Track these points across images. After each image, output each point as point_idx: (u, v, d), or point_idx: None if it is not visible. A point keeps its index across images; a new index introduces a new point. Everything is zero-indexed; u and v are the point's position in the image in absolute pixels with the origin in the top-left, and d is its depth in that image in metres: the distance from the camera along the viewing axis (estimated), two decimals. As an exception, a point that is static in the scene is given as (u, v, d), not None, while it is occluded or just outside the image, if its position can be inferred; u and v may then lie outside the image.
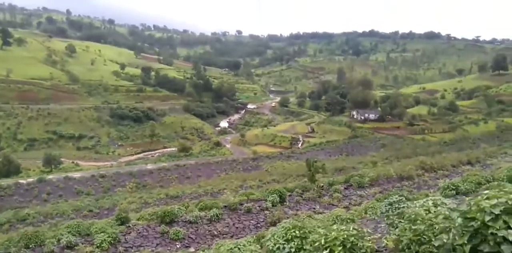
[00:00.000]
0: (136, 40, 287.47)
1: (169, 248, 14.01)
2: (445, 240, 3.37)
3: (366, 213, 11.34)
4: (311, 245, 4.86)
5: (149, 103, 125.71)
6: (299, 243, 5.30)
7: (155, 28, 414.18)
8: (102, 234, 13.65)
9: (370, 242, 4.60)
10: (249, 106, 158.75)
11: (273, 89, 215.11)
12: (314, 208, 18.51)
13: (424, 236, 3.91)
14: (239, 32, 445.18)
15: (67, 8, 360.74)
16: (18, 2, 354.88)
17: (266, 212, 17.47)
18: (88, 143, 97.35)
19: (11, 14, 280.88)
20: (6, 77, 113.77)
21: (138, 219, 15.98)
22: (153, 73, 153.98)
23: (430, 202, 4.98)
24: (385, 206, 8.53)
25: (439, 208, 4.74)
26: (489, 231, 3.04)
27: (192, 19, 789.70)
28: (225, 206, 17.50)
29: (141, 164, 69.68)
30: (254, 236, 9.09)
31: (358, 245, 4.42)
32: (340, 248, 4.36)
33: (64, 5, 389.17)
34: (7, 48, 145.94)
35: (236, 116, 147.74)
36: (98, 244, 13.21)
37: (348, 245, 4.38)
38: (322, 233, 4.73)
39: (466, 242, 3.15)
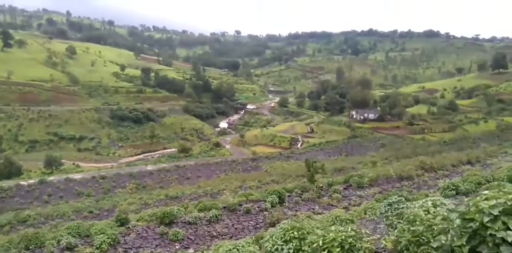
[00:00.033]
0: (135, 41, 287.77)
1: (168, 249, 13.98)
2: (443, 242, 3.34)
3: (365, 213, 11.31)
4: (309, 246, 4.83)
5: (149, 104, 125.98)
6: (297, 244, 5.28)
7: (155, 29, 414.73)
8: (101, 235, 13.62)
9: (369, 243, 4.57)
10: (248, 106, 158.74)
11: (272, 89, 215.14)
12: (313, 209, 18.46)
13: (423, 237, 3.88)
14: (238, 32, 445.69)
15: (67, 10, 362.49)
16: (19, 4, 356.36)
17: (265, 212, 17.43)
18: (89, 145, 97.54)
19: (12, 16, 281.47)
20: (7, 79, 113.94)
21: (137, 220, 15.96)
22: (152, 74, 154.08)
23: (430, 203, 4.94)
24: (385, 206, 8.50)
25: (438, 208, 4.70)
26: (488, 232, 3.01)
27: (192, 19, 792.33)
28: (224, 207, 17.46)
29: (141, 165, 69.77)
30: (253, 237, 9.05)
31: (356, 246, 4.39)
32: (338, 249, 4.33)
33: (64, 6, 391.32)
34: (8, 49, 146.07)
35: (235, 117, 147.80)
36: (98, 245, 13.18)
37: (346, 246, 4.35)
38: (320, 234, 4.71)
39: (464, 243, 3.12)
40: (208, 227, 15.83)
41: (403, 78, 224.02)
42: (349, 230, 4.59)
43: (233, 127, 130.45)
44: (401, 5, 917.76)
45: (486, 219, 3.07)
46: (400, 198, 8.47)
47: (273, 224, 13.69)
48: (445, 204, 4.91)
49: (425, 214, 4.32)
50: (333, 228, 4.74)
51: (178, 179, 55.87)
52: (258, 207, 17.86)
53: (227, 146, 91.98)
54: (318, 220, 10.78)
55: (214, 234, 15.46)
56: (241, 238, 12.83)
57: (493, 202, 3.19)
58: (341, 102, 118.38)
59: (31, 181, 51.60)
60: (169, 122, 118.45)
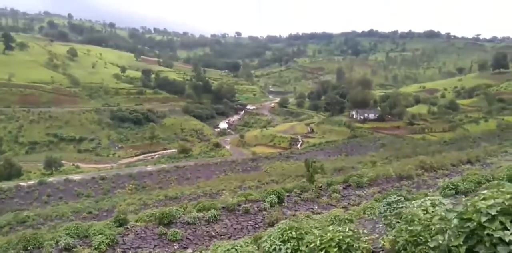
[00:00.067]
0: (136, 43, 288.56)
1: (166, 249, 13.95)
2: (440, 241, 3.30)
3: (364, 213, 11.26)
4: (306, 246, 4.79)
5: (149, 105, 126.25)
6: (295, 244, 5.25)
7: (155, 31, 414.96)
8: (100, 236, 13.59)
9: (366, 243, 4.53)
10: (248, 107, 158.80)
11: (272, 90, 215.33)
12: (313, 209, 18.42)
13: (421, 237, 3.83)
14: (238, 33, 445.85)
15: (69, 12, 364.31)
16: (20, 7, 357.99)
17: (264, 212, 17.38)
18: (89, 146, 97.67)
19: (13, 19, 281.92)
20: (8, 81, 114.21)
21: (136, 221, 15.93)
22: (153, 75, 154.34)
23: (428, 202, 4.90)
24: (384, 206, 8.44)
25: (437, 208, 4.67)
26: (485, 232, 2.98)
27: (192, 21, 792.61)
28: (223, 207, 17.43)
29: (141, 166, 69.76)
30: (252, 237, 9.01)
31: (354, 246, 4.35)
32: (335, 249, 4.29)
33: (65, 9, 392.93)
34: (10, 52, 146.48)
35: (235, 117, 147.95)
36: (96, 246, 13.16)
37: (344, 246, 4.31)
38: (317, 234, 4.67)
39: (462, 243, 3.08)
40: (206, 227, 15.79)
41: (403, 78, 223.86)
42: (346, 230, 4.55)
43: (233, 127, 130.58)
44: (402, 5, 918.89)
45: (483, 219, 3.03)
46: (399, 198, 8.41)
47: (272, 224, 13.64)
48: (444, 204, 4.87)
49: (424, 214, 4.28)
50: (331, 228, 4.72)
51: (178, 180, 55.82)
52: (257, 207, 17.82)
53: (227, 147, 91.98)
54: (317, 220, 10.75)
55: (213, 234, 15.42)
56: (239, 238, 12.79)
57: (491, 202, 3.16)
58: (341, 102, 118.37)
59: (31, 182, 51.54)
60: (169, 123, 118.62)
